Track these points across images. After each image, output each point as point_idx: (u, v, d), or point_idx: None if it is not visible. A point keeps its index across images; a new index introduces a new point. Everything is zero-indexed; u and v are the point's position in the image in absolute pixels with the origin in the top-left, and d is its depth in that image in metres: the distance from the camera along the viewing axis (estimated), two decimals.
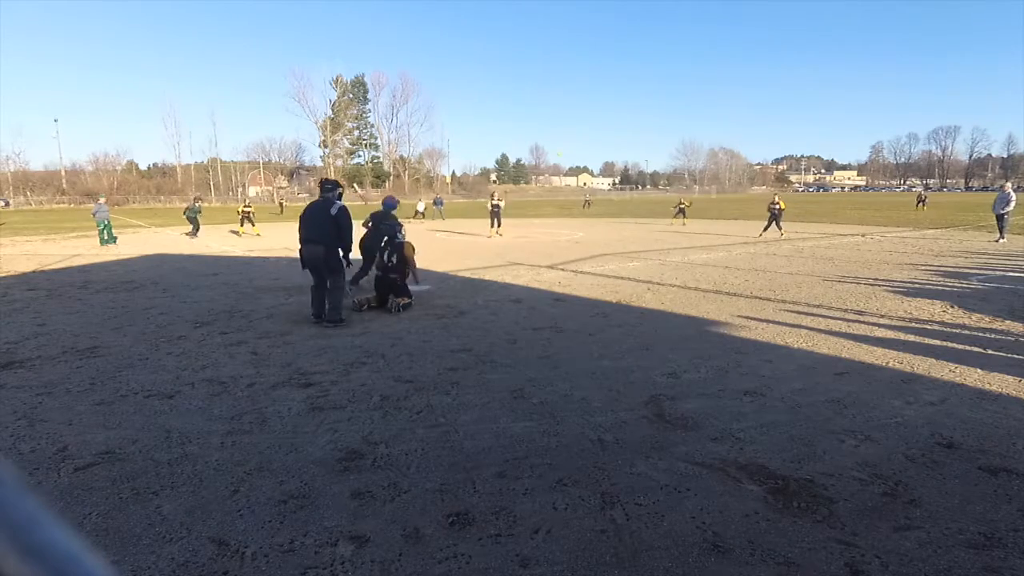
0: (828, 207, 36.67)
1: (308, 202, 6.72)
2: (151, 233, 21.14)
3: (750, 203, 45.88)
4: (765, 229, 16.48)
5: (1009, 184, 15.43)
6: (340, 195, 6.47)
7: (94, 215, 15.79)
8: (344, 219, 6.28)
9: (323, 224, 6.22)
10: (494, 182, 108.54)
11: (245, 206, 20.48)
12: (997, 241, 14.15)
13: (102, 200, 16.32)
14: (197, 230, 18.62)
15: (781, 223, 16.30)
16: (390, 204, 8.17)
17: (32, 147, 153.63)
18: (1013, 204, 14.37)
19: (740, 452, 3.10)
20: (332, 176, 76.67)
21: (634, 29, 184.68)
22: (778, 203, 16.25)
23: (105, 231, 15.70)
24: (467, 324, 6.13)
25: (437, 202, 29.29)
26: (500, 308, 6.94)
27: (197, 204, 18.61)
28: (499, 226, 17.94)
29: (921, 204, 31.43)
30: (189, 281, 9.32)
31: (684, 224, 22.05)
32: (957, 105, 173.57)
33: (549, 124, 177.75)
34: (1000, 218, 14.41)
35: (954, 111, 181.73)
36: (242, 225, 19.66)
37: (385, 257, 7.04)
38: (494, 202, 18.08)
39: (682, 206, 23.03)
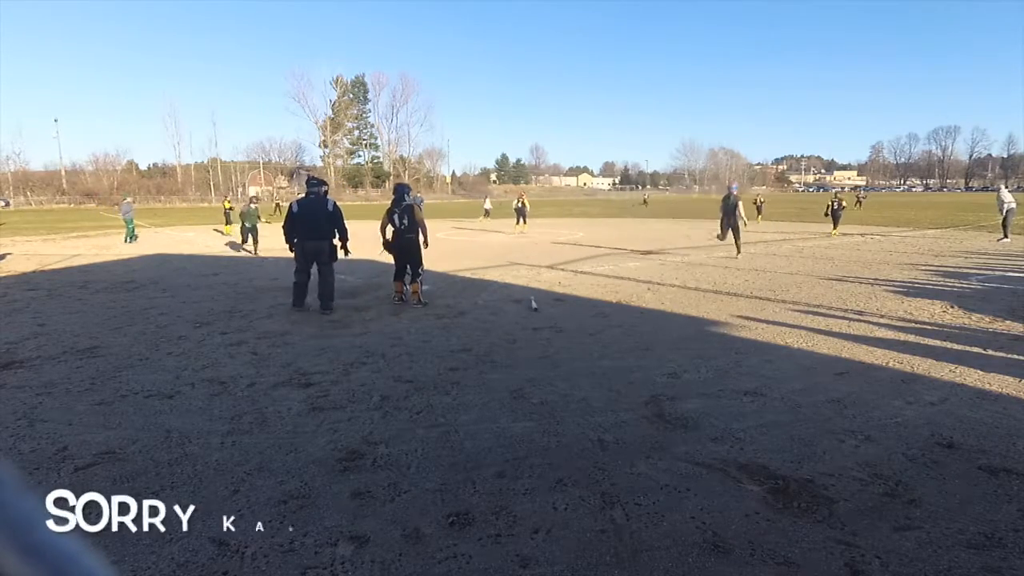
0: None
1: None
2: (151, 233, 21.14)
3: (750, 203, 45.83)
4: (835, 226, 16.87)
5: (1002, 184, 15.57)
6: (326, 192, 7.02)
7: (123, 215, 16.77)
8: (340, 214, 6.90)
9: (323, 221, 6.75)
10: (494, 182, 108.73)
11: (228, 204, 20.08)
12: (999, 240, 14.18)
13: (128, 200, 17.35)
14: (255, 241, 13.87)
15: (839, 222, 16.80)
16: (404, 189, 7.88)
17: (32, 147, 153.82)
18: (1007, 204, 14.48)
19: (740, 452, 3.10)
20: (332, 176, 76.58)
21: (634, 29, 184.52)
22: (841, 200, 16.91)
23: (128, 228, 16.60)
24: (467, 324, 6.13)
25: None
26: (500, 308, 6.94)
27: (253, 207, 14.28)
28: (524, 223, 20.40)
29: (858, 204, 32.10)
30: (189, 281, 9.33)
31: (759, 221, 22.85)
32: (957, 105, 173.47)
33: (549, 124, 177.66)
34: (1004, 218, 14.50)
35: (954, 111, 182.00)
36: (227, 223, 19.35)
37: (397, 220, 7.22)
38: (517, 204, 20.86)
39: (759, 203, 24.15)
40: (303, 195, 7.04)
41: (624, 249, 13.74)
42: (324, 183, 7.09)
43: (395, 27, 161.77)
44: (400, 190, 7.43)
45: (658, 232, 19.31)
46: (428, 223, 7.67)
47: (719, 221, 11.97)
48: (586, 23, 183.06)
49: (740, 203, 11.54)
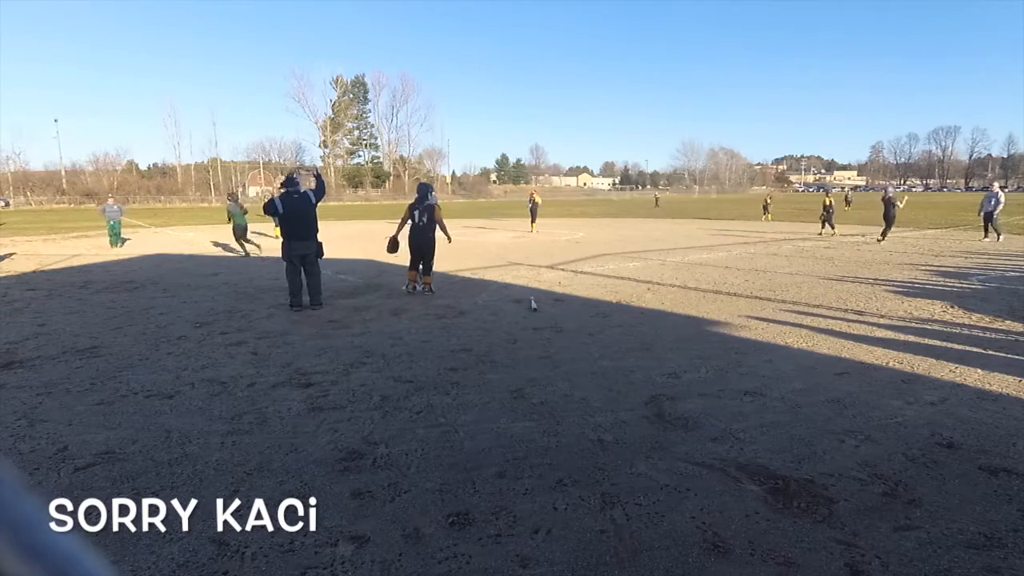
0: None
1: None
2: (151, 233, 21.14)
3: (750, 203, 45.87)
4: (830, 227, 17.03)
5: (997, 184, 15.69)
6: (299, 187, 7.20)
7: (103, 213, 15.13)
8: (319, 197, 7.14)
9: (310, 219, 7.00)
10: (494, 182, 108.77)
11: None
12: (994, 239, 14.25)
13: (110, 200, 15.54)
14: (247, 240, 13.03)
15: (832, 222, 17.02)
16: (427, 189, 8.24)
17: (32, 147, 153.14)
18: (1003, 204, 14.54)
19: (740, 452, 3.10)
20: (332, 176, 76.67)
21: (634, 29, 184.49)
22: (830, 201, 17.19)
23: (113, 233, 14.97)
24: (467, 324, 6.13)
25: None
26: (500, 308, 6.94)
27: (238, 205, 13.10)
28: (534, 222, 20.12)
29: (847, 204, 32.38)
30: (189, 281, 9.32)
31: (769, 219, 23.88)
32: (957, 105, 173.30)
33: (549, 124, 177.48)
34: (990, 217, 14.55)
35: (954, 111, 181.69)
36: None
37: (417, 217, 7.76)
38: (531, 203, 20.42)
39: (767, 203, 25.57)
40: (284, 192, 7.09)
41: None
42: (293, 183, 7.16)
43: (395, 27, 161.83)
44: (423, 189, 7.98)
45: (659, 233, 19.28)
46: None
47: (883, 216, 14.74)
48: (586, 23, 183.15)
49: (896, 200, 14.90)
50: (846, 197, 34.25)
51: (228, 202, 13.47)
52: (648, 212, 34.75)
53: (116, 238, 14.98)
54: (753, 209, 32.59)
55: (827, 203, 16.96)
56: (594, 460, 3.04)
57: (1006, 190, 15.38)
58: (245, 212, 13.19)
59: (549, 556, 2.25)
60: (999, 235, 14.46)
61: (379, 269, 10.47)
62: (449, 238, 8.05)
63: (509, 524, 2.46)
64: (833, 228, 16.87)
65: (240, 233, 12.89)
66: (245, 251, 12.97)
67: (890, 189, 16.00)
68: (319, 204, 7.21)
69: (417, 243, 7.80)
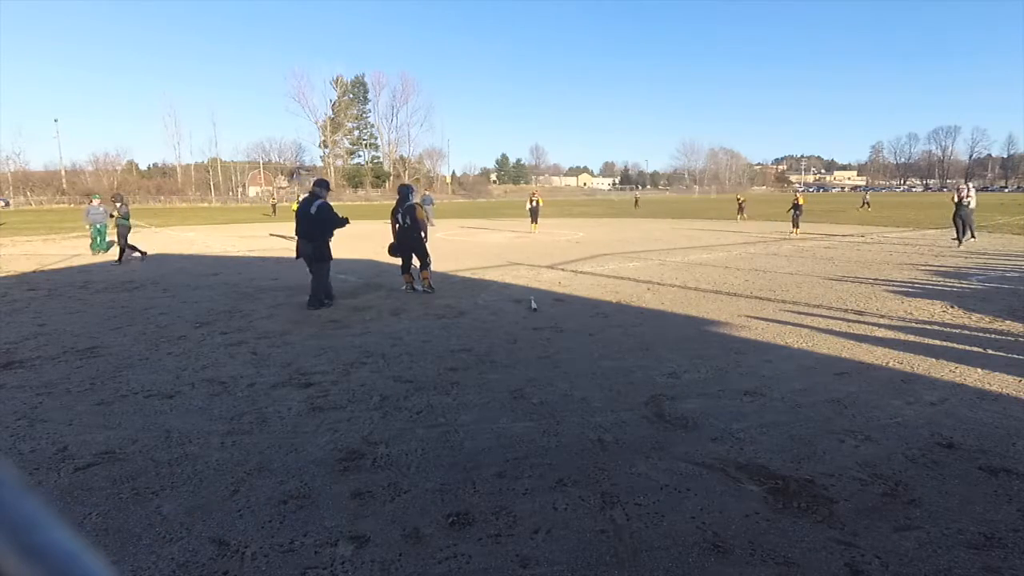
0: (827, 206, 36.65)
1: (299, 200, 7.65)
2: (151, 233, 21.13)
3: (749, 203, 45.78)
4: (795, 226, 17.50)
5: (971, 184, 15.71)
6: (314, 194, 7.17)
7: (87, 215, 13.74)
8: (323, 214, 7.07)
9: (307, 222, 7.09)
10: (494, 182, 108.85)
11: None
12: (965, 240, 14.30)
13: (96, 201, 13.83)
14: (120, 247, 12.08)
15: (798, 222, 17.42)
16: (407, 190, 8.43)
17: (32, 147, 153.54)
18: (972, 205, 14.57)
19: (740, 452, 3.10)
20: (332, 176, 76.95)
21: (634, 29, 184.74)
22: (798, 200, 17.63)
23: (98, 236, 13.67)
24: (467, 324, 6.13)
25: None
26: (500, 308, 6.94)
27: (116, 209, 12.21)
28: (535, 223, 20.17)
29: (865, 205, 32.43)
30: (189, 281, 9.32)
31: (744, 219, 24.38)
32: (957, 105, 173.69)
33: (549, 124, 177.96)
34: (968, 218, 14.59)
35: (954, 111, 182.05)
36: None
37: (401, 219, 7.88)
38: (531, 204, 20.50)
39: (741, 203, 26.11)
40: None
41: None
42: (316, 185, 7.32)
43: (395, 27, 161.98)
44: (403, 191, 8.12)
45: (658, 233, 19.29)
46: (439, 222, 8.30)
47: (952, 218, 14.13)
48: (586, 23, 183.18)
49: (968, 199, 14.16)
50: (864, 199, 34.06)
51: (115, 204, 12.51)
52: (644, 212, 34.75)
53: (101, 242, 13.75)
54: (751, 208, 32.58)
55: (798, 202, 17.42)
56: (594, 460, 3.04)
57: (1006, 190, 15.05)
58: (111, 216, 12.55)
59: (549, 556, 2.25)
60: (972, 235, 14.55)
61: (379, 269, 10.47)
62: (426, 237, 8.06)
63: (509, 524, 2.46)
64: (797, 227, 17.27)
65: (123, 233, 12.12)
66: (121, 257, 12.02)
67: (963, 188, 14.22)
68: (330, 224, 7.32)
69: (403, 245, 7.91)
